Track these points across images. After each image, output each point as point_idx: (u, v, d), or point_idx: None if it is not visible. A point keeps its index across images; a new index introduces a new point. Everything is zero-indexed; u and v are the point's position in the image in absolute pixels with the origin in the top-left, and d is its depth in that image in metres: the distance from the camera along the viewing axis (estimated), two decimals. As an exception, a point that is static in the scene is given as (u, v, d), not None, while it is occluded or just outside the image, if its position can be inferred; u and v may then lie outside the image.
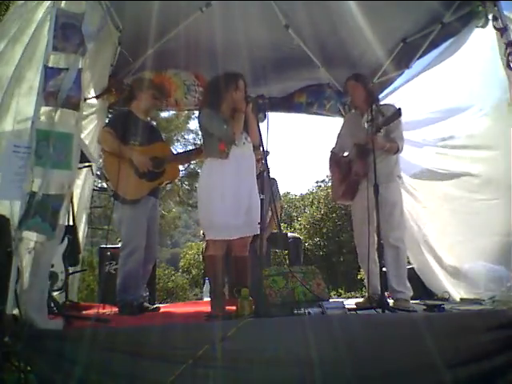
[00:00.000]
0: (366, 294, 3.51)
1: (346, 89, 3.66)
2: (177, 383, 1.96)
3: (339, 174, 3.60)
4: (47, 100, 2.40)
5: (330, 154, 3.75)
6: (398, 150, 3.28)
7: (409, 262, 3.78)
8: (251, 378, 2.02)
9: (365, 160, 3.27)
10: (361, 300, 3.57)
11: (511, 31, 2.96)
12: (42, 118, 2.39)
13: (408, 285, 3.20)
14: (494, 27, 3.03)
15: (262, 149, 2.98)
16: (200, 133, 3.23)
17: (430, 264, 3.74)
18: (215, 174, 2.90)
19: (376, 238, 3.08)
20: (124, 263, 3.13)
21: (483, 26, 3.18)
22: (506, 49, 2.95)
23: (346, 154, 3.68)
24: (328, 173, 4.10)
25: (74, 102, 2.44)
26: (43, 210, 2.27)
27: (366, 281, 3.51)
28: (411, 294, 3.20)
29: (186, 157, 4.00)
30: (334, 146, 3.74)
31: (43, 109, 2.41)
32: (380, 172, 3.01)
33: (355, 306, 3.08)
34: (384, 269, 3.09)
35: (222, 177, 2.87)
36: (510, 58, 2.94)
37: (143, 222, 3.19)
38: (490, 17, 3.06)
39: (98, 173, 4.58)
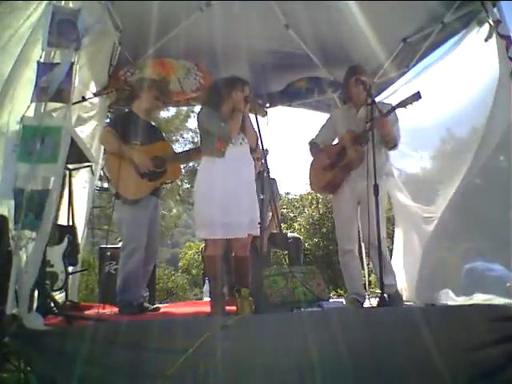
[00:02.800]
0: (348, 295, 3.26)
1: (348, 83, 3.31)
2: (177, 375, 1.97)
3: (325, 160, 3.33)
4: (39, 96, 2.40)
5: (309, 145, 3.51)
6: (395, 145, 3.19)
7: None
8: (251, 370, 2.03)
9: (361, 148, 3.10)
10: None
11: None
12: (32, 113, 2.38)
13: (394, 273, 3.24)
14: (498, 34, 2.92)
15: (261, 148, 2.99)
16: (198, 132, 3.21)
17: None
18: (212, 172, 2.89)
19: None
20: (124, 263, 3.13)
21: (488, 38, 3.05)
22: None
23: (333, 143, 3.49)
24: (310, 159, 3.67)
25: (64, 95, 2.43)
26: (34, 206, 2.26)
27: (348, 281, 3.27)
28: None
29: (186, 156, 4.00)
30: (314, 137, 3.51)
31: (33, 104, 2.40)
32: (369, 167, 2.93)
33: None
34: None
35: (218, 175, 2.85)
36: None
37: (144, 222, 3.18)
38: (491, 21, 2.98)
39: (101, 173, 4.57)
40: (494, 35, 2.95)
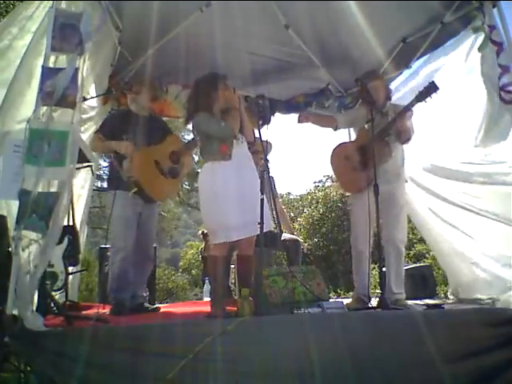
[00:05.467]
0: (355, 294, 3.37)
1: (367, 88, 3.23)
2: (177, 379, 1.97)
3: (354, 163, 3.30)
4: (44, 100, 2.41)
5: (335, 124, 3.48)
6: (408, 139, 3.17)
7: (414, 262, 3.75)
8: (252, 373, 2.03)
9: (385, 141, 3.10)
10: (349, 301, 3.39)
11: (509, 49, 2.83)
12: (38, 117, 2.40)
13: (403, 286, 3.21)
14: (491, 39, 2.91)
15: (261, 140, 2.96)
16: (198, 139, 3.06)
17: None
18: (217, 176, 2.83)
19: (373, 238, 3.13)
20: (112, 262, 3.18)
21: (482, 49, 3.01)
22: (500, 77, 2.78)
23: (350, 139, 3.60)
24: (332, 164, 3.55)
25: (70, 101, 2.46)
26: (39, 208, 2.28)
27: (356, 280, 3.34)
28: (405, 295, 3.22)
29: (194, 143, 4.06)
30: (339, 118, 3.53)
31: (39, 108, 2.41)
32: (389, 171, 3.05)
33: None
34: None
35: (224, 178, 2.81)
36: (503, 86, 2.75)
37: (131, 221, 3.18)
38: (486, 27, 2.98)
39: (98, 173, 4.57)
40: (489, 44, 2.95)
